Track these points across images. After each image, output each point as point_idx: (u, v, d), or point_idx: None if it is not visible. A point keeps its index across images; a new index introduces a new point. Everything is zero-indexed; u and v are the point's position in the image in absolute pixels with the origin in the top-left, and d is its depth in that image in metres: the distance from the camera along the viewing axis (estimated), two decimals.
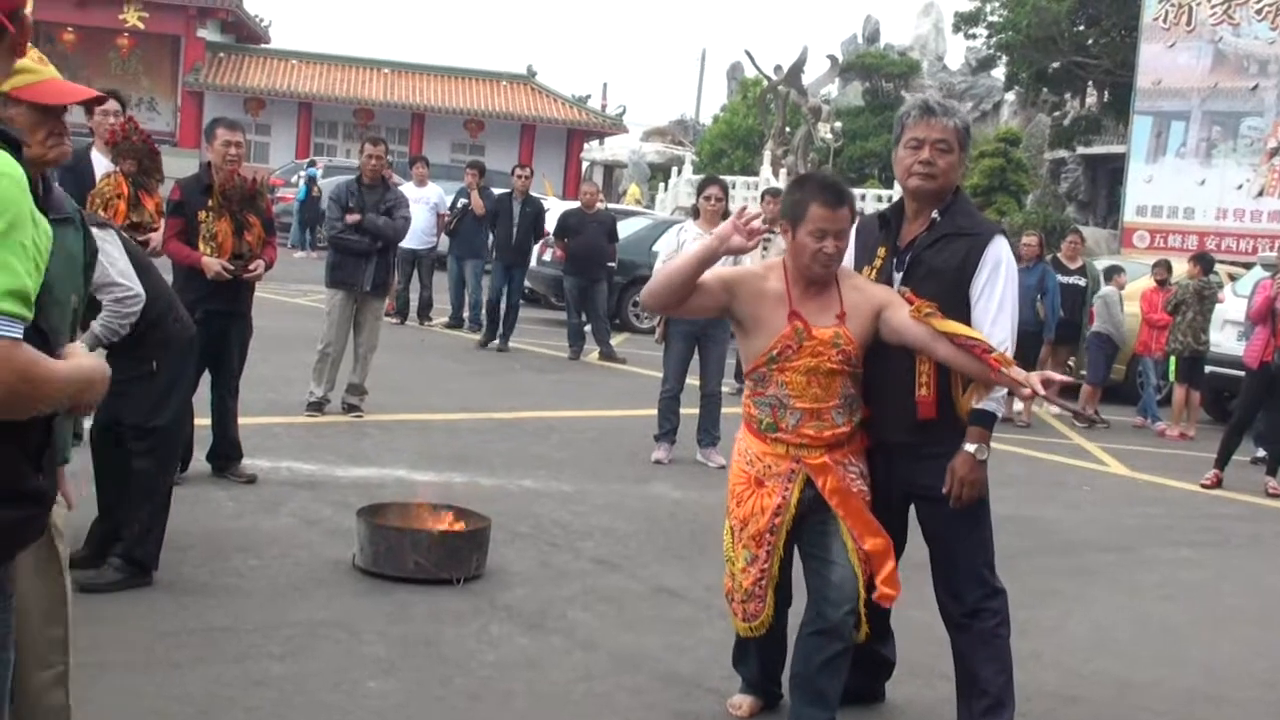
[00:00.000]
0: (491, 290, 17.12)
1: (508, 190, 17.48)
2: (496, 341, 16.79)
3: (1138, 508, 10.80)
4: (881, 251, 4.97)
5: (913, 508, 5.08)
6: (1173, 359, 15.63)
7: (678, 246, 10.36)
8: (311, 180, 31.68)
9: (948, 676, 5.25)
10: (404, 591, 6.53)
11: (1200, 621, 7.60)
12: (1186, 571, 8.74)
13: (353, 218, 11.03)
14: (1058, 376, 4.56)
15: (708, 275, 4.76)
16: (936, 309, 4.62)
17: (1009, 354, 4.61)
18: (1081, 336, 15.83)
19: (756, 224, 4.66)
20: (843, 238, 4.73)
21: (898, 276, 4.89)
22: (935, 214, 4.89)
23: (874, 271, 4.95)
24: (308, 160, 37.85)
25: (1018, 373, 4.50)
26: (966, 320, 4.69)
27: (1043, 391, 4.44)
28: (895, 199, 5.19)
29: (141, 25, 48.02)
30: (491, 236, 17.53)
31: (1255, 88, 30.33)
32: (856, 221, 4.92)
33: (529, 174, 17.59)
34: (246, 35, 52.35)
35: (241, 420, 8.73)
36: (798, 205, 4.74)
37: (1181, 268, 16.40)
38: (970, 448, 4.75)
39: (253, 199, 8.69)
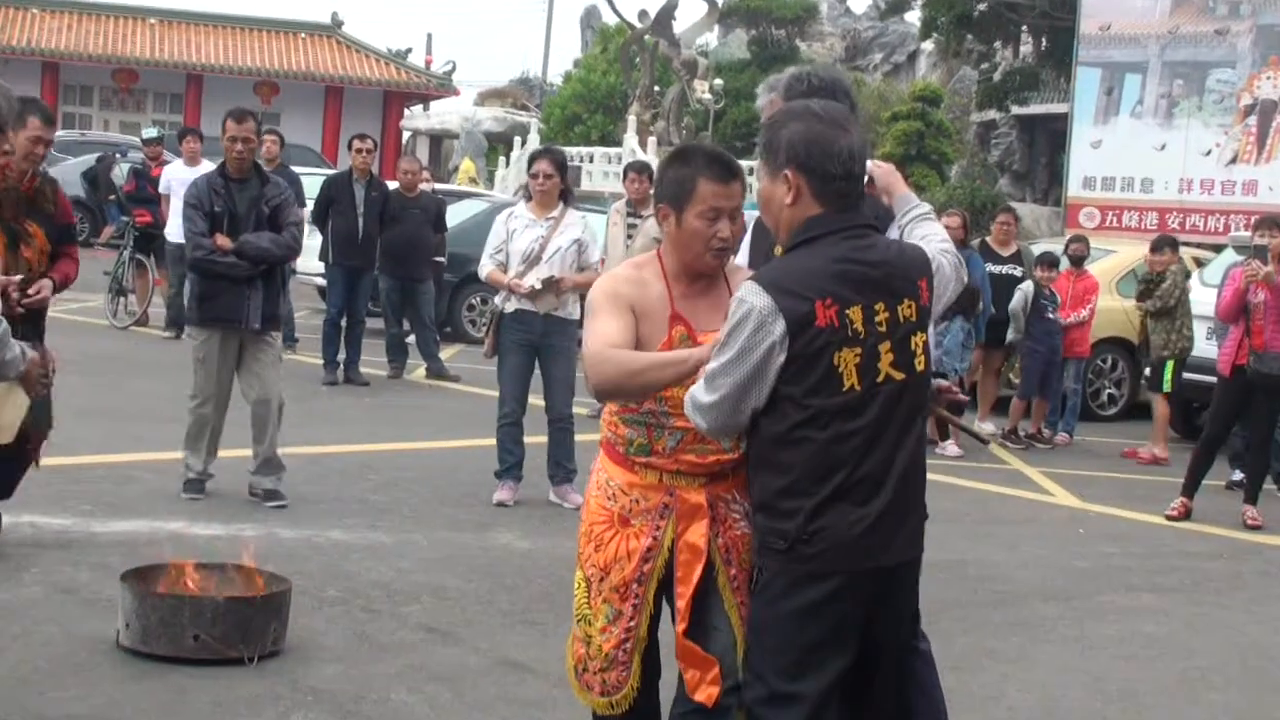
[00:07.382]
0: (331, 305, 16.37)
1: (345, 169, 17.13)
2: (339, 372, 15.98)
3: (1090, 546, 10.94)
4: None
5: None
6: (1169, 365, 15.01)
7: (507, 236, 10.34)
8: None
9: None
10: (183, 674, 6.47)
11: (1167, 684, 7.75)
12: (1150, 623, 8.88)
13: (224, 242, 9.78)
14: None
15: (624, 327, 4.66)
16: None
17: None
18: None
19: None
20: (737, 219, 4.71)
21: None
22: None
23: None
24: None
25: None
26: None
27: None
28: None
29: None
30: (319, 233, 16.50)
31: (1224, 32, 30.77)
32: (753, 223, 4.95)
33: (371, 147, 16.80)
34: None
35: None
36: (683, 183, 4.70)
37: (1137, 253, 16.37)
38: None
39: (31, 201, 8.17)
